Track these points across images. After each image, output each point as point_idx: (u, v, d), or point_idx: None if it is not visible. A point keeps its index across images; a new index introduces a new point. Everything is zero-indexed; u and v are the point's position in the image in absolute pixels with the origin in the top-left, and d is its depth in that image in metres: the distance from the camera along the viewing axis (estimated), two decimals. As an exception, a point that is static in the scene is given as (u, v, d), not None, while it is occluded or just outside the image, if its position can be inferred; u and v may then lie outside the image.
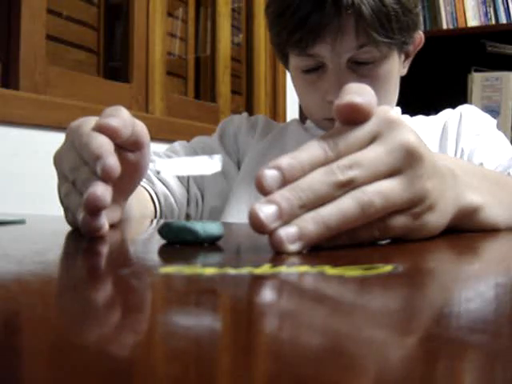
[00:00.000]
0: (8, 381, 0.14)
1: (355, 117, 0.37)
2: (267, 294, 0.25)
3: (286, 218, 0.34)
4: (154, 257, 0.37)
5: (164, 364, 0.15)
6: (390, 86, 0.83)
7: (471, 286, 0.27)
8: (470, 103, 2.12)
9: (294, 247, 0.34)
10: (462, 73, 2.15)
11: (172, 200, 0.83)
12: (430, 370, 0.15)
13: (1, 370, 0.15)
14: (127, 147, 0.52)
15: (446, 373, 0.15)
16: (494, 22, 2.13)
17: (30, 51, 1.28)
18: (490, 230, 0.49)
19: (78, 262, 0.36)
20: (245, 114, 1.01)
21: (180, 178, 0.85)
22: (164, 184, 0.83)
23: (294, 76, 0.87)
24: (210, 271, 0.28)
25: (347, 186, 0.36)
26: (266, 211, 0.34)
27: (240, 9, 2.24)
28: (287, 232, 0.34)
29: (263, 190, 0.35)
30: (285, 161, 0.36)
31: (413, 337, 0.18)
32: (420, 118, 0.95)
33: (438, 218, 0.41)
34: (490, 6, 2.14)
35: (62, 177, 0.51)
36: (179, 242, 0.38)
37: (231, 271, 0.28)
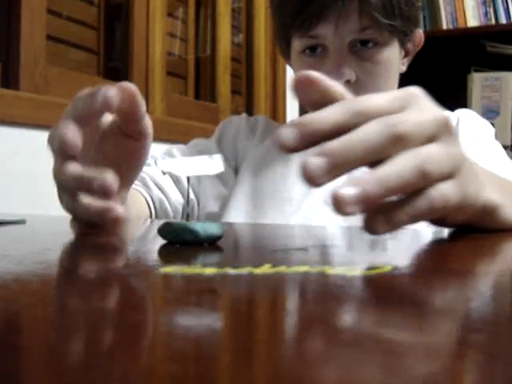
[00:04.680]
0: (8, 381, 0.14)
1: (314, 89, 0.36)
2: (267, 294, 0.25)
3: (340, 169, 0.32)
4: (154, 257, 0.37)
5: (164, 364, 0.15)
6: (389, 75, 0.83)
7: (471, 286, 0.27)
8: (470, 103, 2.12)
9: (353, 209, 0.32)
10: (462, 73, 2.15)
11: (167, 205, 0.83)
12: (429, 369, 0.15)
13: (1, 370, 0.15)
14: (133, 135, 0.54)
15: (445, 372, 0.15)
16: (493, 22, 2.13)
17: (30, 51, 1.28)
18: (501, 231, 0.48)
19: (78, 262, 0.36)
20: (244, 116, 1.00)
21: (176, 184, 0.85)
22: (160, 189, 0.83)
23: (294, 61, 0.87)
24: (210, 271, 0.28)
25: (400, 141, 0.34)
26: (315, 162, 0.32)
27: (240, 9, 2.24)
28: (346, 193, 0.31)
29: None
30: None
31: (412, 336, 0.18)
32: None
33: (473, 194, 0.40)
34: (489, 7, 2.14)
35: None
36: (179, 242, 0.38)
37: (231, 271, 0.28)
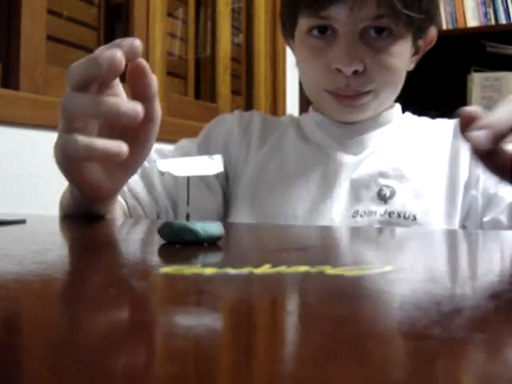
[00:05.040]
0: (8, 380, 0.14)
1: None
2: (267, 294, 0.25)
3: None
4: (153, 257, 0.37)
5: (164, 364, 0.15)
6: (399, 69, 0.79)
7: (471, 285, 0.27)
8: (470, 103, 2.12)
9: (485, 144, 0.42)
10: (462, 73, 2.15)
11: (140, 211, 0.79)
12: (429, 369, 0.15)
13: (1, 370, 0.15)
14: (139, 99, 0.52)
15: (445, 373, 0.15)
16: (493, 22, 2.13)
17: (30, 51, 1.28)
18: None
19: (78, 262, 0.36)
20: (237, 114, 0.90)
21: (151, 190, 0.80)
22: (133, 195, 0.79)
23: (299, 42, 0.81)
24: (209, 271, 0.28)
25: None
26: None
27: (240, 9, 2.24)
28: (480, 133, 0.42)
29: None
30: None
31: (412, 336, 0.18)
32: (427, 119, 0.90)
33: None
34: (489, 7, 2.14)
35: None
36: (179, 242, 0.38)
37: (231, 271, 0.28)
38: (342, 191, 0.78)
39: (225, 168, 0.86)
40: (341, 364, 0.15)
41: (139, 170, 0.80)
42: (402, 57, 0.78)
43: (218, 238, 0.39)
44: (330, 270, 0.28)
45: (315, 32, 0.77)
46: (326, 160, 0.81)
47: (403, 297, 0.24)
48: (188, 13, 1.98)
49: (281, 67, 2.24)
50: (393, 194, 0.76)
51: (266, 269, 0.29)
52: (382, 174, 0.78)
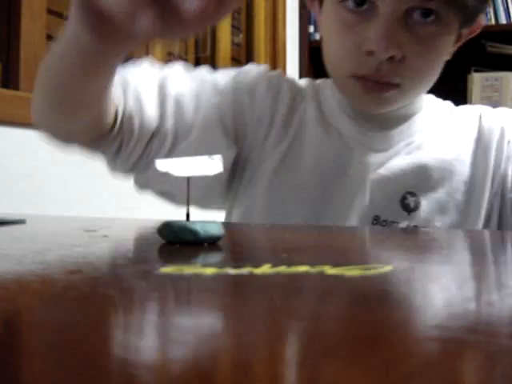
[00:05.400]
0: (8, 381, 0.14)
1: None
2: (267, 294, 0.25)
3: None
4: (153, 257, 0.37)
5: (164, 364, 0.15)
6: (439, 62, 0.70)
7: (471, 286, 0.27)
8: (470, 103, 2.12)
9: None
10: (462, 73, 2.15)
11: (136, 123, 0.65)
12: (430, 369, 0.15)
13: (1, 370, 0.15)
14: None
15: (446, 373, 0.15)
16: (493, 22, 2.13)
17: (30, 51, 1.28)
18: None
19: (78, 261, 0.36)
20: (265, 74, 0.77)
21: (163, 105, 0.68)
22: (140, 102, 0.66)
23: (329, 12, 0.69)
24: (210, 271, 0.28)
25: None
26: None
27: (240, 9, 2.24)
28: None
29: None
30: None
31: (413, 337, 0.18)
32: (451, 107, 0.82)
33: None
34: (489, 6, 2.14)
35: None
36: (179, 241, 0.38)
37: (231, 271, 0.28)
38: (363, 193, 0.72)
39: (238, 131, 0.73)
40: (341, 364, 0.15)
41: (158, 79, 0.68)
42: (446, 49, 0.70)
43: (218, 238, 0.39)
44: (330, 270, 0.28)
45: (350, 3, 0.66)
46: (348, 157, 0.73)
47: (403, 297, 0.24)
48: (188, 13, 1.98)
49: (281, 67, 2.24)
50: (417, 205, 0.71)
51: (266, 269, 0.29)
52: (407, 179, 0.72)
